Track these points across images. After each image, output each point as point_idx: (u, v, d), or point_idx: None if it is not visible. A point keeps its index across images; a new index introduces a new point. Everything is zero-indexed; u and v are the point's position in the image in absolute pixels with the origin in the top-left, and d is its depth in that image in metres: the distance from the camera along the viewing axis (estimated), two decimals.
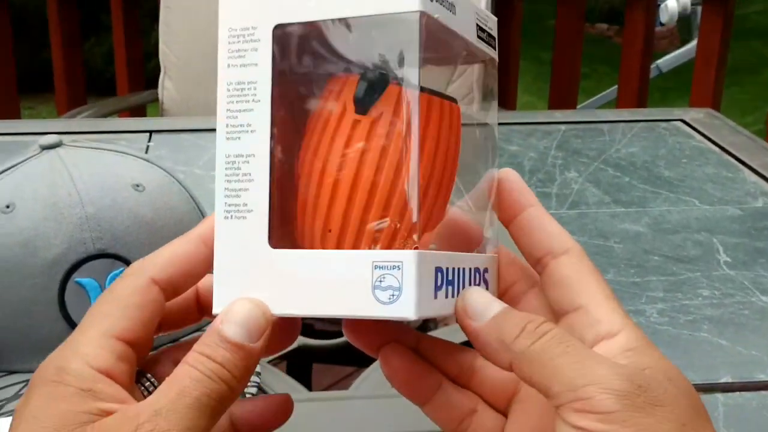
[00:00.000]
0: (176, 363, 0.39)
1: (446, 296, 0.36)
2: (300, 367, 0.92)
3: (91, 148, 0.69)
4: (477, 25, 0.41)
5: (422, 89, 0.36)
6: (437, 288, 0.36)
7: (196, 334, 0.44)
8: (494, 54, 0.42)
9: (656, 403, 0.33)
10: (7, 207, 0.64)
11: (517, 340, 0.35)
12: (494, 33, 0.43)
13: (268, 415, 0.39)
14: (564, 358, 0.34)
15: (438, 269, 0.36)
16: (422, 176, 0.37)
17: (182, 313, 0.41)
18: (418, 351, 0.40)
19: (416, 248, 0.35)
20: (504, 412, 0.40)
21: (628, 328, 0.36)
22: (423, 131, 0.37)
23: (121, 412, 0.33)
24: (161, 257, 0.37)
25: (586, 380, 0.33)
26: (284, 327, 0.38)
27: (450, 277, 0.36)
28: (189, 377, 0.34)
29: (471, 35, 0.40)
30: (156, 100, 1.90)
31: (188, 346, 0.40)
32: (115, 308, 0.36)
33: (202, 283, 0.40)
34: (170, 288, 0.37)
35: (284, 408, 0.40)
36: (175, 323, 0.41)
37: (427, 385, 0.40)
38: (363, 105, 0.37)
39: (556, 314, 0.39)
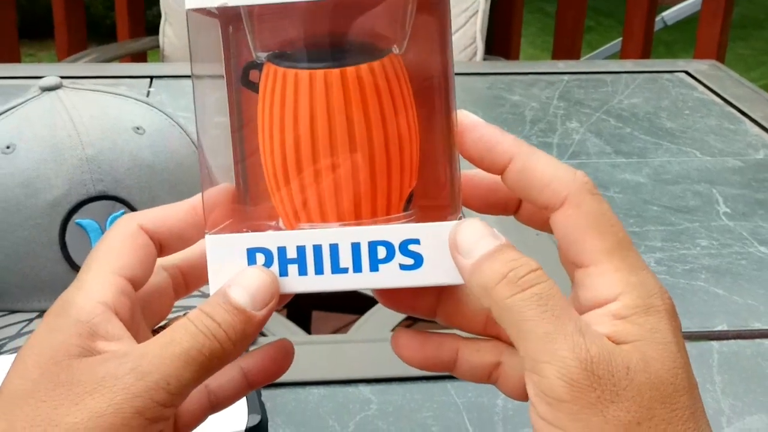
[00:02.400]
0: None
1: (300, 273, 0.36)
2: (300, 313, 0.92)
3: (92, 90, 0.69)
4: None
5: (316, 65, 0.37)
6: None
7: None
8: None
9: (612, 398, 0.31)
10: (8, 148, 0.64)
11: (496, 288, 0.33)
12: None
13: (275, 360, 0.40)
14: (535, 325, 0.32)
15: (253, 250, 0.36)
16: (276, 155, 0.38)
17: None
18: (436, 311, 0.40)
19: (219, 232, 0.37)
20: None
21: (627, 291, 0.33)
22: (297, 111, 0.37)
23: (111, 352, 0.34)
24: (151, 212, 0.38)
25: (546, 357, 0.32)
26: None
27: (293, 256, 0.36)
28: (184, 329, 0.34)
29: None
30: (157, 46, 1.89)
31: None
32: (111, 250, 0.37)
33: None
34: (156, 241, 0.38)
35: (288, 351, 0.40)
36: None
37: (443, 358, 0.39)
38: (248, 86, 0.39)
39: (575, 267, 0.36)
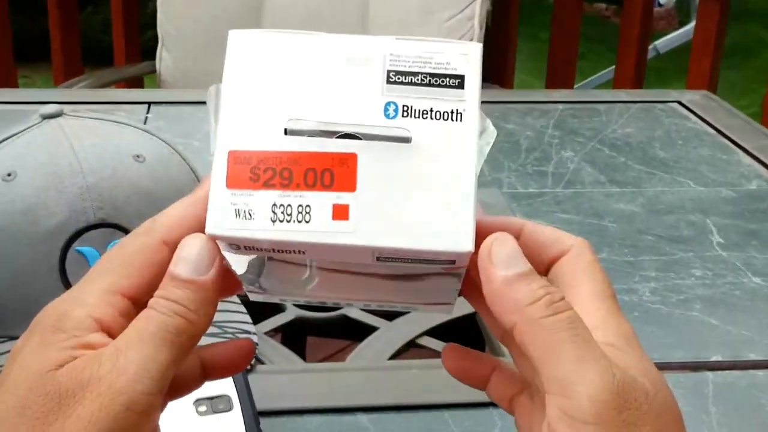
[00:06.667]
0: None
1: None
2: (295, 339, 0.93)
3: (92, 118, 0.70)
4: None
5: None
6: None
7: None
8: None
9: (635, 421, 0.33)
10: (9, 175, 0.64)
11: (531, 306, 0.35)
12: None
13: (232, 357, 0.40)
14: (568, 346, 0.34)
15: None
16: None
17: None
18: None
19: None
20: None
21: (606, 324, 0.36)
22: None
23: (88, 353, 0.34)
24: (170, 218, 0.38)
25: (576, 379, 0.33)
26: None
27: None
28: (145, 316, 0.35)
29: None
30: (153, 71, 1.89)
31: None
32: (123, 264, 0.37)
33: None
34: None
35: (247, 351, 0.41)
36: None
37: (480, 374, 0.42)
38: None
39: None
